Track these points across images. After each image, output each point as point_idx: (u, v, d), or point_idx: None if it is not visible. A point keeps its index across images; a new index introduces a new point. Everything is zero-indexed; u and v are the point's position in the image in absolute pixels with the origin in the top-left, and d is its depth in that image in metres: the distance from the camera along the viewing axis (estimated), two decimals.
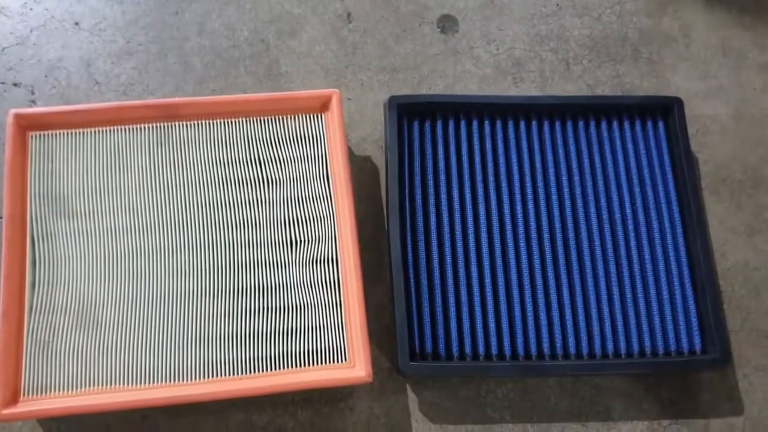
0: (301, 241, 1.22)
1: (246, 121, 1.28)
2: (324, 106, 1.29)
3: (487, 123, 1.35)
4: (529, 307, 1.25)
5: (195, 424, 1.21)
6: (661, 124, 1.39)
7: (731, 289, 1.36)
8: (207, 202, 1.23)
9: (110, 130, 1.25)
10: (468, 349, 1.22)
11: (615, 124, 1.38)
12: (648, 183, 1.34)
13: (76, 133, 1.25)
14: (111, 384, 1.14)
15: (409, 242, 1.26)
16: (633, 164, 1.35)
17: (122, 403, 1.11)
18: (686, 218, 1.31)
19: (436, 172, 1.32)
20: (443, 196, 1.30)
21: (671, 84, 1.51)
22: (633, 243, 1.30)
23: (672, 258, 1.29)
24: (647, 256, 1.30)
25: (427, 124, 1.34)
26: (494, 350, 1.22)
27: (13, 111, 1.22)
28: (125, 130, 1.25)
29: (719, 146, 1.46)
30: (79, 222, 1.21)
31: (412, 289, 1.23)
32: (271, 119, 1.29)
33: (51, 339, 1.15)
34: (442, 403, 1.25)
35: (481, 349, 1.22)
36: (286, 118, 1.29)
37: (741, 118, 1.49)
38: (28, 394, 1.12)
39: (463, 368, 1.20)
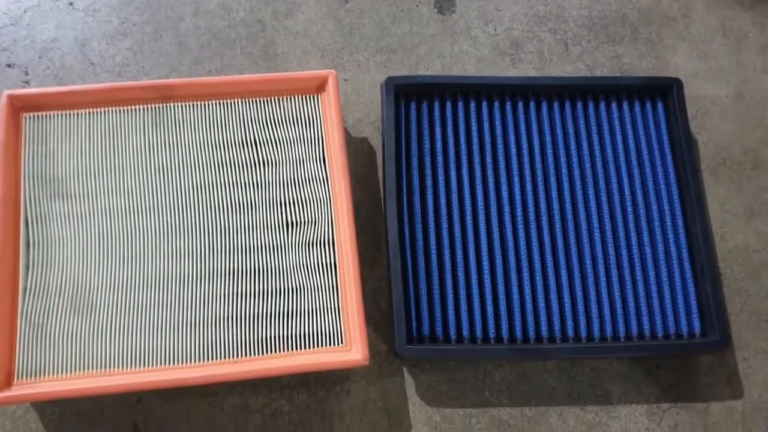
0: (297, 223, 1.21)
1: (242, 102, 1.26)
2: (320, 87, 1.28)
3: (484, 104, 1.33)
4: (527, 290, 1.23)
5: (190, 408, 1.20)
6: (660, 106, 1.37)
7: (731, 271, 1.35)
8: (202, 183, 1.22)
9: (105, 112, 1.24)
10: (465, 333, 1.20)
11: (614, 105, 1.36)
12: (647, 164, 1.32)
13: (70, 114, 1.23)
14: (106, 367, 1.12)
15: (406, 224, 1.24)
16: (632, 145, 1.33)
17: (117, 387, 1.09)
18: (686, 200, 1.30)
19: (434, 154, 1.30)
20: (440, 178, 1.28)
21: (671, 65, 1.49)
22: (632, 225, 1.28)
23: (671, 240, 1.28)
24: (646, 239, 1.28)
25: (425, 106, 1.32)
26: (492, 333, 1.21)
27: (6, 92, 1.21)
28: (120, 111, 1.24)
29: (719, 127, 1.45)
30: (74, 204, 1.19)
31: (410, 272, 1.22)
32: (267, 100, 1.27)
33: (45, 322, 1.13)
34: (440, 387, 1.23)
35: (479, 333, 1.20)
36: (282, 99, 1.28)
37: (741, 99, 1.47)
38: (22, 377, 1.10)
39: (461, 351, 1.19)
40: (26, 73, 1.38)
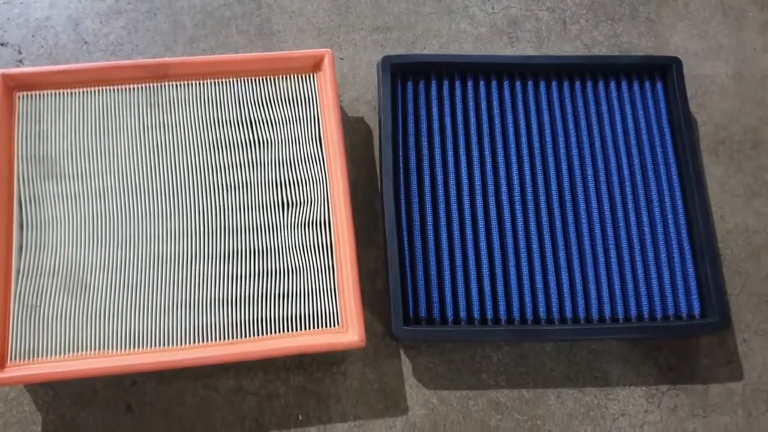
0: (292, 203, 1.19)
1: (237, 81, 1.25)
2: (316, 66, 1.26)
3: (482, 83, 1.31)
4: (525, 270, 1.22)
5: (184, 390, 1.18)
6: (659, 85, 1.35)
7: (731, 252, 1.33)
8: (197, 164, 1.20)
9: (99, 91, 1.22)
10: (463, 314, 1.18)
11: (612, 85, 1.34)
12: (646, 144, 1.30)
13: (64, 93, 1.21)
14: (100, 349, 1.10)
15: (402, 204, 1.22)
16: (631, 125, 1.31)
17: (111, 368, 1.08)
18: (685, 180, 1.28)
19: (431, 133, 1.28)
20: (438, 158, 1.26)
21: (670, 44, 1.47)
22: (630, 205, 1.27)
23: (670, 221, 1.26)
24: (645, 219, 1.26)
25: (421, 85, 1.30)
26: (489, 314, 1.19)
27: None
28: (114, 90, 1.22)
29: (718, 107, 1.43)
30: (68, 184, 1.17)
31: (406, 252, 1.20)
32: (263, 79, 1.25)
33: (39, 303, 1.11)
34: (436, 369, 1.22)
35: (476, 314, 1.19)
36: (278, 78, 1.26)
37: (741, 79, 1.45)
38: (16, 359, 1.08)
39: (458, 332, 1.17)
40: (19, 52, 1.36)
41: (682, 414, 1.23)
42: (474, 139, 1.28)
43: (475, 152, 1.27)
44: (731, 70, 1.46)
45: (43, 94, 1.21)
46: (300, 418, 1.18)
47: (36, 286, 1.13)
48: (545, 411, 1.21)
